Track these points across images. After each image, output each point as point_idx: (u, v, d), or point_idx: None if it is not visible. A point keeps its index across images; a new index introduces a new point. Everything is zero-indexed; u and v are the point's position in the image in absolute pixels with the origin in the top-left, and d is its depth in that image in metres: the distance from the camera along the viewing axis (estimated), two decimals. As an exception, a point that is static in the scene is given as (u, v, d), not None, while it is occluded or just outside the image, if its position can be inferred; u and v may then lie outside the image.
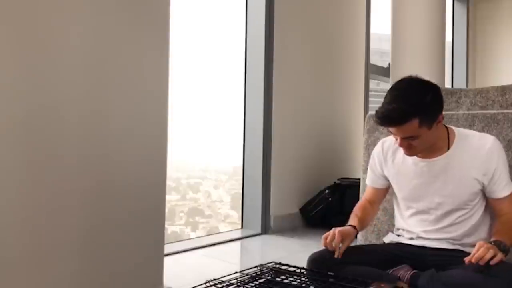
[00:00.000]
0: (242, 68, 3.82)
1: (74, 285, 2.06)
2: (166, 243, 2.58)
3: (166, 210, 2.52)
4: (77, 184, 2.05)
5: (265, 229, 3.70)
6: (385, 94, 1.78)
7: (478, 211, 1.86)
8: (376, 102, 5.05)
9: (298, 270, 1.78)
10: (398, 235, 2.01)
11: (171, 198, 3.67)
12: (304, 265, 1.82)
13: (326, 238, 1.79)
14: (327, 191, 3.96)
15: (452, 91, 2.43)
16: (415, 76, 1.80)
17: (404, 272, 1.81)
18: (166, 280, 2.41)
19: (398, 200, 2.01)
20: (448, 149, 1.85)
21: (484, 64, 7.45)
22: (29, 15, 1.90)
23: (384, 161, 2.00)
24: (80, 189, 2.06)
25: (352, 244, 1.86)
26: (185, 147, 3.57)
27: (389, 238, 2.06)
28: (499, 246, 1.62)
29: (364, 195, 2.11)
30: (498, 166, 1.80)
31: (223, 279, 1.67)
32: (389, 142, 2.00)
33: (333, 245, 1.78)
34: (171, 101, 2.42)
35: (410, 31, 5.81)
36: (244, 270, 1.75)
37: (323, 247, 1.81)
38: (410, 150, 1.81)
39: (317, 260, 1.82)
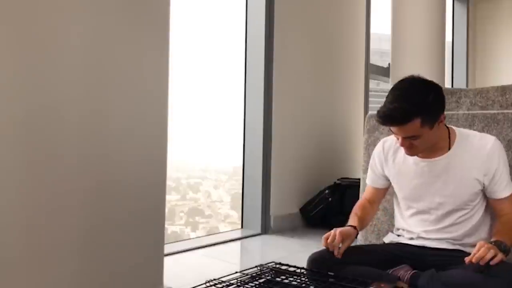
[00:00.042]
0: (242, 68, 3.82)
1: (74, 285, 2.06)
2: (166, 243, 2.58)
3: (166, 210, 2.51)
4: (77, 184, 2.05)
5: (265, 229, 3.70)
6: (385, 94, 1.78)
7: (478, 211, 1.86)
8: (376, 102, 5.07)
9: (298, 270, 1.78)
10: (398, 235, 2.01)
11: (171, 198, 3.67)
12: (304, 265, 1.82)
13: (326, 239, 1.79)
14: (327, 191, 3.96)
15: (452, 91, 2.43)
16: (417, 75, 1.80)
17: (404, 272, 1.81)
18: (166, 280, 2.41)
19: (399, 200, 2.01)
20: (449, 149, 1.85)
21: (484, 64, 7.45)
22: (29, 15, 1.90)
23: (384, 161, 2.00)
24: (80, 189, 2.06)
25: (352, 244, 1.86)
26: (185, 147, 3.56)
27: (389, 238, 2.06)
28: (500, 246, 1.62)
29: (364, 194, 2.11)
30: (499, 167, 1.80)
31: (223, 279, 1.67)
32: (390, 141, 2.00)
33: (334, 246, 1.78)
34: (171, 101, 2.42)
35: (410, 31, 5.81)
36: (244, 270, 1.75)
37: (323, 247, 1.81)
38: (411, 150, 1.80)
39: (317, 260, 1.82)
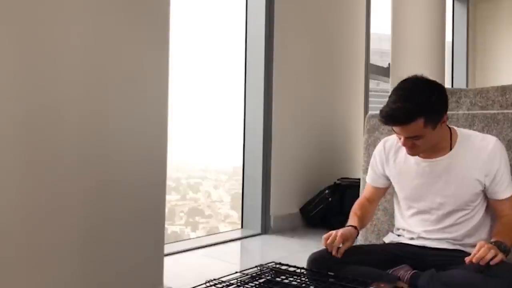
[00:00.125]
0: (242, 68, 3.82)
1: (74, 285, 2.06)
2: (166, 243, 2.58)
3: (166, 210, 2.51)
4: (77, 184, 2.05)
5: (265, 229, 3.70)
6: (385, 94, 1.79)
7: (479, 212, 1.86)
8: (376, 102, 5.07)
9: (298, 270, 1.78)
10: (399, 235, 2.01)
11: (171, 198, 3.67)
12: (304, 265, 1.82)
13: (326, 239, 1.79)
14: (327, 191, 3.96)
15: (452, 91, 2.43)
16: (421, 75, 1.79)
17: (404, 272, 1.81)
18: (166, 280, 2.41)
19: (399, 199, 2.01)
20: (451, 149, 1.85)
21: (484, 64, 7.45)
22: (29, 15, 1.90)
23: (385, 161, 2.00)
24: (80, 189, 2.06)
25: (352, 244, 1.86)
26: (185, 147, 3.56)
27: (389, 238, 2.05)
28: (500, 246, 1.62)
29: (364, 193, 2.11)
30: (500, 167, 1.80)
31: (223, 279, 1.67)
32: (391, 141, 2.00)
33: (333, 247, 1.78)
34: (171, 101, 2.42)
35: (410, 31, 5.80)
36: (244, 270, 1.75)
37: (323, 247, 1.81)
38: (413, 149, 1.80)
39: (317, 260, 1.82)
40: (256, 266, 1.79)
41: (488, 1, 7.42)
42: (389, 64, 5.54)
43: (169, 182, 2.64)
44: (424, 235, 1.90)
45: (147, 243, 2.33)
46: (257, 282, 1.69)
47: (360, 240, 2.46)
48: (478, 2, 7.54)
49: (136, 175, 2.27)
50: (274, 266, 1.81)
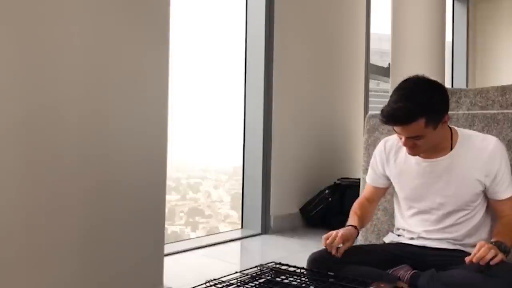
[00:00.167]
0: (242, 68, 3.82)
1: (74, 285, 2.06)
2: (166, 243, 2.58)
3: (166, 210, 2.51)
4: (77, 184, 2.05)
5: (265, 229, 3.70)
6: (385, 94, 1.79)
7: (479, 212, 1.86)
8: (376, 102, 5.07)
9: (298, 270, 1.78)
10: (399, 235, 2.01)
11: (171, 198, 3.67)
12: (304, 265, 1.82)
13: (326, 239, 1.79)
14: (327, 191, 3.96)
15: (452, 91, 2.43)
16: (422, 75, 1.79)
17: (404, 272, 1.81)
18: (166, 280, 2.41)
19: (400, 199, 2.01)
20: (451, 149, 1.85)
21: (484, 64, 7.45)
22: (29, 15, 1.90)
23: (386, 161, 2.00)
24: (80, 189, 2.06)
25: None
26: (185, 147, 3.56)
27: (389, 238, 2.05)
28: (500, 246, 1.62)
29: (363, 192, 2.11)
30: (501, 168, 1.80)
31: (223, 279, 1.67)
32: (391, 141, 2.00)
33: (332, 247, 1.78)
34: (171, 101, 2.42)
35: (410, 31, 5.80)
36: (244, 270, 1.75)
37: (323, 247, 1.81)
38: (414, 149, 1.80)
39: (317, 260, 1.82)
40: (256, 266, 1.79)
41: (488, 1, 7.42)
42: (389, 64, 5.54)
43: (169, 182, 2.64)
44: (424, 235, 1.90)
45: (147, 243, 2.33)
46: (257, 282, 1.69)
47: (360, 240, 2.46)
48: (478, 2, 7.54)
49: (136, 175, 2.27)
50: (274, 266, 1.81)
